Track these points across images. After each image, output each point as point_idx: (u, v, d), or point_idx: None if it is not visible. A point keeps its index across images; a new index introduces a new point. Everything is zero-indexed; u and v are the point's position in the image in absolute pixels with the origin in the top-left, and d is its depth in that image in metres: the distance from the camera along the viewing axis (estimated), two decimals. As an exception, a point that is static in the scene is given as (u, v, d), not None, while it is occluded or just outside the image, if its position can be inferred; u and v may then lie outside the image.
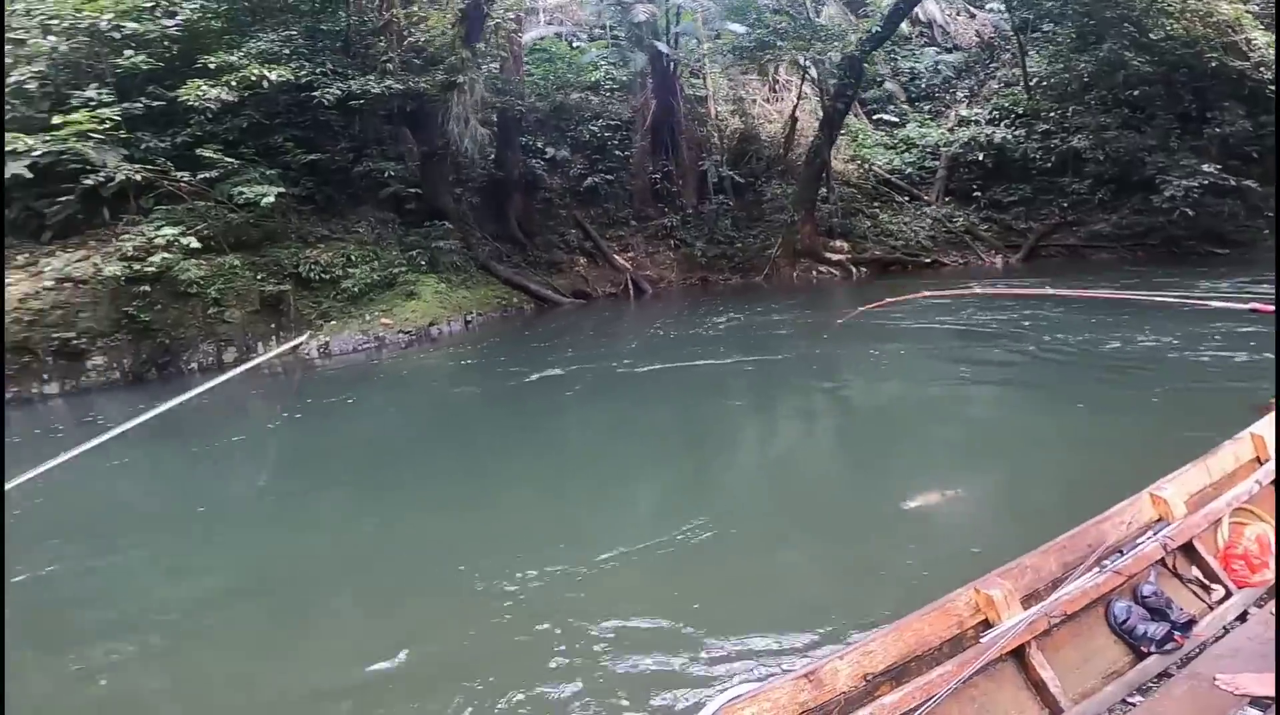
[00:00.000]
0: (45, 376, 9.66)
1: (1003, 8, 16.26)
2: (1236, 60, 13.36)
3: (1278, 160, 12.57)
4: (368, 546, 4.82)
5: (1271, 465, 3.12)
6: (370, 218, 13.25)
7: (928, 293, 4.79)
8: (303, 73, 12.30)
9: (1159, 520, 2.78)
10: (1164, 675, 2.39)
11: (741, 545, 4.19)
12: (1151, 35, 13.37)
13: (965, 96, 16.87)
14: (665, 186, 15.69)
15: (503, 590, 3.77)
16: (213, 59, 11.57)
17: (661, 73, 16.02)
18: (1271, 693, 2.10)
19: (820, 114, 15.62)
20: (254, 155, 12.09)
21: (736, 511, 4.70)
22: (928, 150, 15.92)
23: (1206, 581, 2.73)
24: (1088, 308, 8.47)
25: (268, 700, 3.20)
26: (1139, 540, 2.63)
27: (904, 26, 15.78)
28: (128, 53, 11.41)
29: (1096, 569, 2.47)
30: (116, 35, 11.46)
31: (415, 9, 13.99)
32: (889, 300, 5.14)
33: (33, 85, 10.97)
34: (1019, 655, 2.28)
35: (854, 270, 14.20)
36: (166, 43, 11.91)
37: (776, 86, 17.28)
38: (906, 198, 15.54)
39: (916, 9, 16.03)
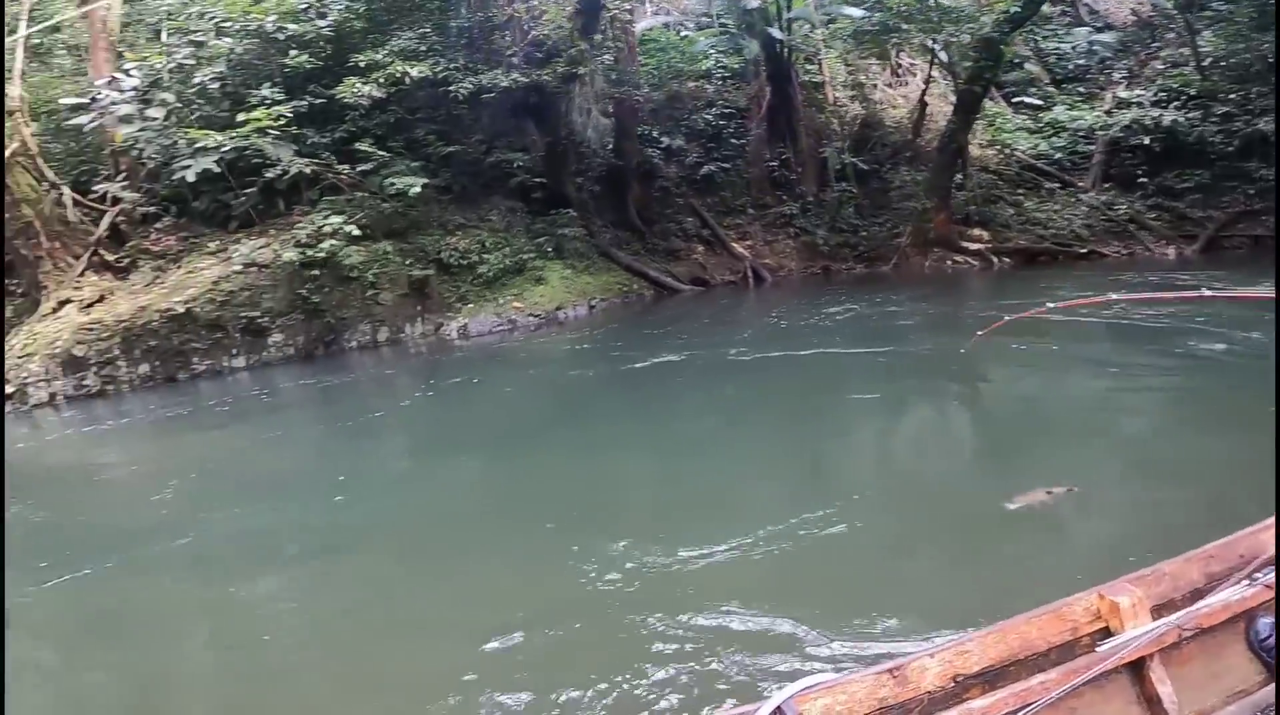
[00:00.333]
0: (234, 351, 10.77)
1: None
2: None
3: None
4: (483, 514, 5.18)
5: None
6: (501, 206, 13.95)
7: (1050, 305, 4.32)
8: (438, 68, 13.00)
9: None
10: None
11: (856, 540, 4.04)
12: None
13: (1124, 78, 15.94)
14: (783, 174, 15.73)
15: (611, 564, 3.88)
16: (361, 58, 12.38)
17: (775, 59, 16.04)
18: None
19: (951, 98, 15.23)
20: (400, 148, 12.92)
21: (851, 503, 4.52)
22: (1080, 134, 15.18)
23: None
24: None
25: (377, 631, 3.69)
26: None
27: (1045, 6, 15.12)
28: (293, 53, 12.33)
29: (1246, 581, 2.25)
30: (280, 36, 12.41)
31: (536, 3, 14.51)
32: (1034, 311, 4.70)
33: (215, 86, 12.06)
34: (1136, 668, 2.09)
35: (995, 260, 13.67)
36: (321, 43, 12.80)
37: (900, 70, 17.00)
38: (1057, 184, 14.88)
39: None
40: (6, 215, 10.02)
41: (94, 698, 3.54)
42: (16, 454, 8.44)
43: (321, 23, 12.79)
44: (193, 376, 10.47)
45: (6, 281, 10.48)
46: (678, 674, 2.98)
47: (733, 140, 16.32)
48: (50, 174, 11.21)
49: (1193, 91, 14.56)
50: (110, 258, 10.85)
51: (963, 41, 13.50)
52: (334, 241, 11.27)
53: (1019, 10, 12.97)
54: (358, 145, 12.25)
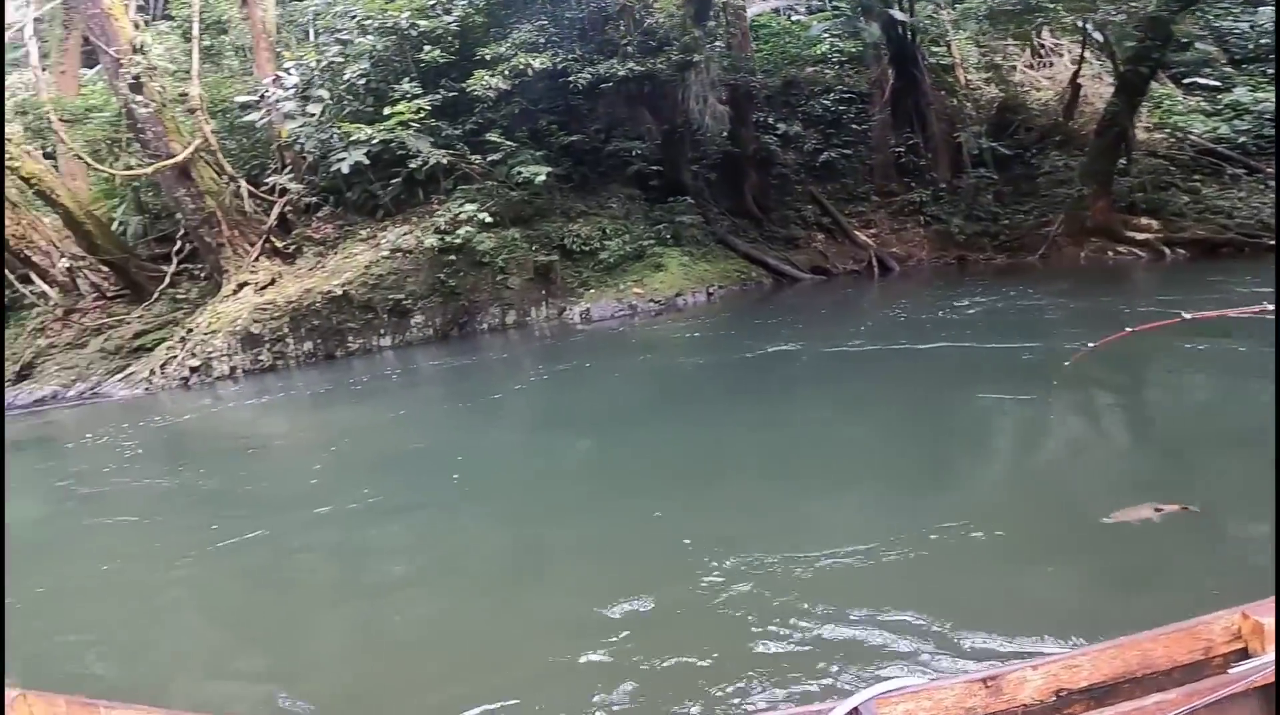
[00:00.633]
0: (382, 331, 11.53)
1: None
2: None
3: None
4: (586, 498, 5.21)
5: None
6: (619, 194, 14.21)
7: (1186, 316, 3.63)
8: (557, 59, 13.34)
9: None
10: None
11: (979, 549, 3.72)
12: None
13: (1314, 58, 14.58)
14: (911, 160, 15.24)
15: (716, 559, 3.80)
16: (487, 51, 12.86)
17: (898, 41, 15.52)
18: None
19: (1106, 79, 14.29)
20: (525, 138, 13.37)
21: (969, 508, 4.18)
22: (1267, 117, 13.99)
23: None
24: None
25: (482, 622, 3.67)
26: None
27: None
28: (426, 48, 12.97)
29: None
30: (414, 33, 13.06)
31: (647, -8, 14.57)
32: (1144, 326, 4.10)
33: (361, 82, 12.86)
34: (1267, 692, 1.91)
35: (1166, 252, 12.58)
36: (449, 38, 13.37)
37: (1042, 51, 16.12)
38: (1241, 169, 13.77)
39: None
40: (193, 206, 11.13)
41: (302, 645, 3.75)
42: (199, 422, 9.41)
43: (448, 18, 13.37)
44: (348, 354, 11.31)
45: (191, 267, 11.65)
46: (773, 668, 2.88)
47: (853, 126, 15.94)
48: (229, 168, 12.33)
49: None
50: (279, 244, 11.86)
51: (1120, 20, 12.56)
52: (468, 228, 11.83)
53: (1190, -13, 11.96)
54: (487, 136, 12.78)
